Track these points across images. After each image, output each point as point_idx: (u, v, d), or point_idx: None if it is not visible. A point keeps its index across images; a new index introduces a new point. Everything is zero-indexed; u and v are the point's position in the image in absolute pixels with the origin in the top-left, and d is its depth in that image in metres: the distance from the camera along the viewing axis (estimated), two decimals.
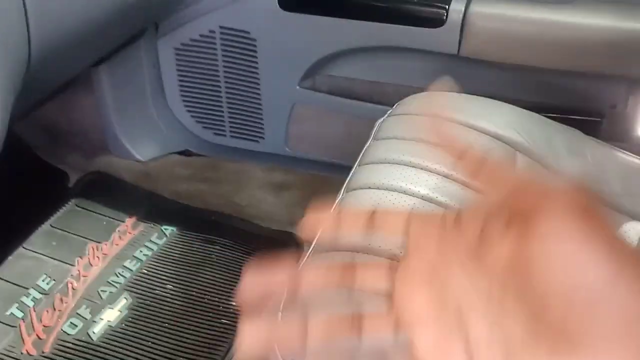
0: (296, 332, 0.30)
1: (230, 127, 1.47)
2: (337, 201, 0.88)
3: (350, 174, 0.94)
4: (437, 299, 0.30)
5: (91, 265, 1.26)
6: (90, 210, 1.38)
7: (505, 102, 1.05)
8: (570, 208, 0.26)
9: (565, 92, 1.21)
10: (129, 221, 1.36)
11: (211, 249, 1.33)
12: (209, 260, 1.30)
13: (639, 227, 0.95)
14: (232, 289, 1.23)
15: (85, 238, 1.31)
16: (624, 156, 1.05)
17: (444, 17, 1.16)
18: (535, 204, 0.27)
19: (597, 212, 0.26)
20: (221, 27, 1.33)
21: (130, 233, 1.33)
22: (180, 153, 1.53)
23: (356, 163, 0.96)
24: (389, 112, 1.06)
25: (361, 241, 0.34)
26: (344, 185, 0.91)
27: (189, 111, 1.48)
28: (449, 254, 0.30)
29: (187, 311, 1.20)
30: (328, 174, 1.39)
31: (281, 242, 1.34)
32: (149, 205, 1.42)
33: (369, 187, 0.86)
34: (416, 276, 0.31)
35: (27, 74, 0.87)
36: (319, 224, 0.34)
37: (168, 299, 1.21)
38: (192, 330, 1.17)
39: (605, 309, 0.25)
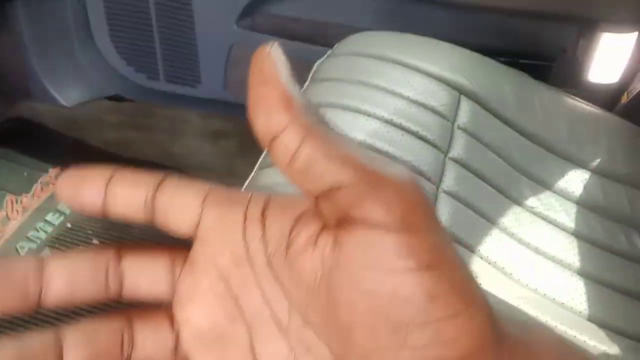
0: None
1: (164, 70, 1.37)
2: (264, 153, 0.81)
3: None
4: (227, 315, 0.24)
5: (9, 219, 1.17)
6: (10, 160, 1.29)
7: (453, 44, 0.99)
8: (396, 214, 0.20)
9: (515, 34, 1.15)
10: (53, 172, 1.27)
11: None
12: None
13: (586, 175, 0.92)
14: (163, 244, 1.16)
15: (3, 190, 1.22)
16: (572, 102, 1.01)
17: None
18: (357, 203, 0.20)
19: (426, 223, 0.21)
20: None
21: (53, 184, 1.24)
22: (109, 98, 1.43)
23: None
24: (328, 52, 0.99)
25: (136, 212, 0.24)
26: None
27: (119, 52, 1.37)
28: (246, 256, 0.24)
29: None
30: None
31: None
32: (75, 154, 1.33)
33: None
34: (202, 282, 0.25)
35: None
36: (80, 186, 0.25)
37: None
38: None
39: (415, 339, 0.20)
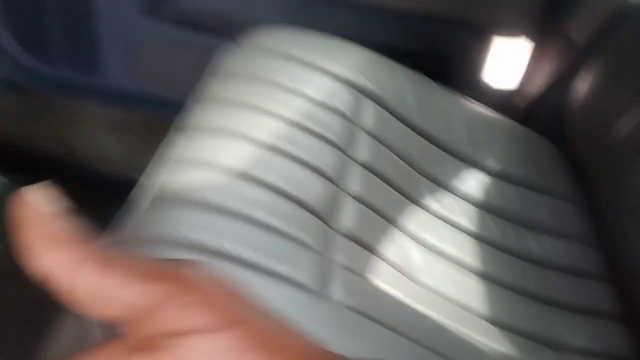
0: None
1: (63, 56, 1.31)
2: (165, 141, 0.79)
3: (186, 113, 0.85)
4: None
5: None
6: None
7: (355, 43, 1.00)
8: (217, 313, 0.20)
9: (415, 35, 1.18)
10: None
11: None
12: None
13: (483, 177, 0.96)
14: None
15: None
16: (471, 106, 1.04)
17: None
18: (175, 317, 0.20)
19: (245, 309, 0.21)
20: None
21: None
22: (1, 85, 1.35)
23: (193, 101, 0.88)
24: (231, 46, 0.98)
25: None
26: (176, 126, 0.83)
27: (12, 35, 1.29)
28: None
29: (13, 273, 1.06)
30: (172, 111, 1.28)
31: (122, 188, 1.24)
32: None
33: (202, 129, 0.78)
34: None
35: None
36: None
37: None
38: (20, 295, 1.04)
39: None
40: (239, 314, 0.21)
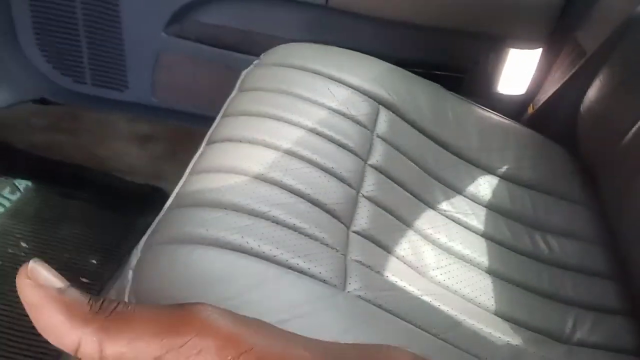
0: None
1: (92, 74, 1.38)
2: (197, 154, 0.84)
3: (213, 126, 0.91)
4: None
5: None
6: None
7: (372, 55, 1.05)
8: None
9: (430, 47, 1.22)
10: None
11: (70, 204, 1.25)
12: (67, 217, 1.22)
13: (494, 180, 1.00)
14: (92, 246, 1.17)
15: None
16: (482, 112, 1.08)
17: None
18: None
19: None
20: None
21: None
22: (35, 101, 1.42)
23: (219, 115, 0.93)
24: (254, 62, 1.03)
25: None
26: (205, 138, 0.88)
27: (45, 56, 1.37)
28: None
29: None
30: (195, 125, 1.34)
31: (145, 195, 1.29)
32: (1, 157, 1.31)
33: (229, 140, 0.83)
34: None
35: None
36: None
37: (22, 259, 1.13)
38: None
39: None
40: (246, 343, 0.20)
